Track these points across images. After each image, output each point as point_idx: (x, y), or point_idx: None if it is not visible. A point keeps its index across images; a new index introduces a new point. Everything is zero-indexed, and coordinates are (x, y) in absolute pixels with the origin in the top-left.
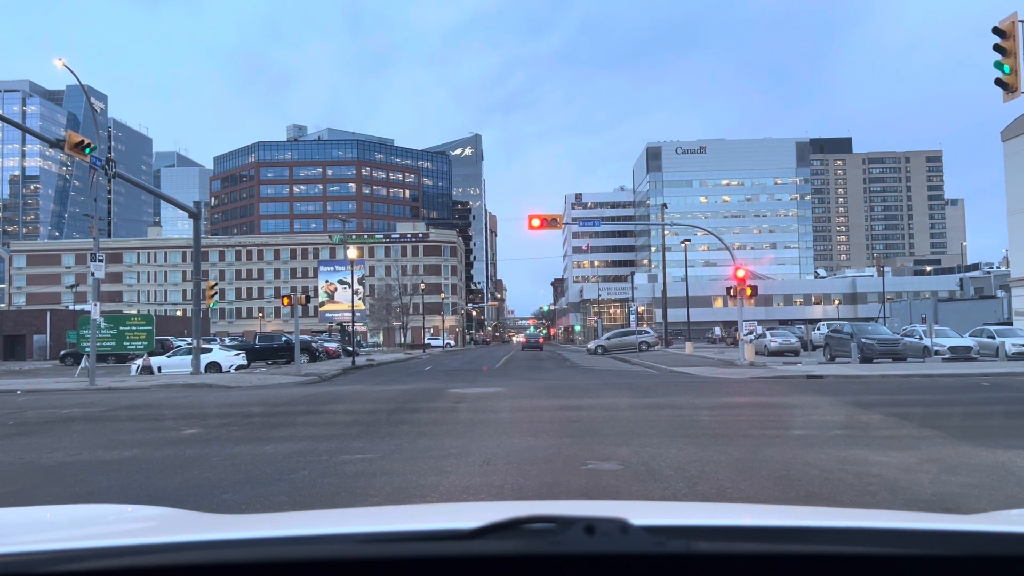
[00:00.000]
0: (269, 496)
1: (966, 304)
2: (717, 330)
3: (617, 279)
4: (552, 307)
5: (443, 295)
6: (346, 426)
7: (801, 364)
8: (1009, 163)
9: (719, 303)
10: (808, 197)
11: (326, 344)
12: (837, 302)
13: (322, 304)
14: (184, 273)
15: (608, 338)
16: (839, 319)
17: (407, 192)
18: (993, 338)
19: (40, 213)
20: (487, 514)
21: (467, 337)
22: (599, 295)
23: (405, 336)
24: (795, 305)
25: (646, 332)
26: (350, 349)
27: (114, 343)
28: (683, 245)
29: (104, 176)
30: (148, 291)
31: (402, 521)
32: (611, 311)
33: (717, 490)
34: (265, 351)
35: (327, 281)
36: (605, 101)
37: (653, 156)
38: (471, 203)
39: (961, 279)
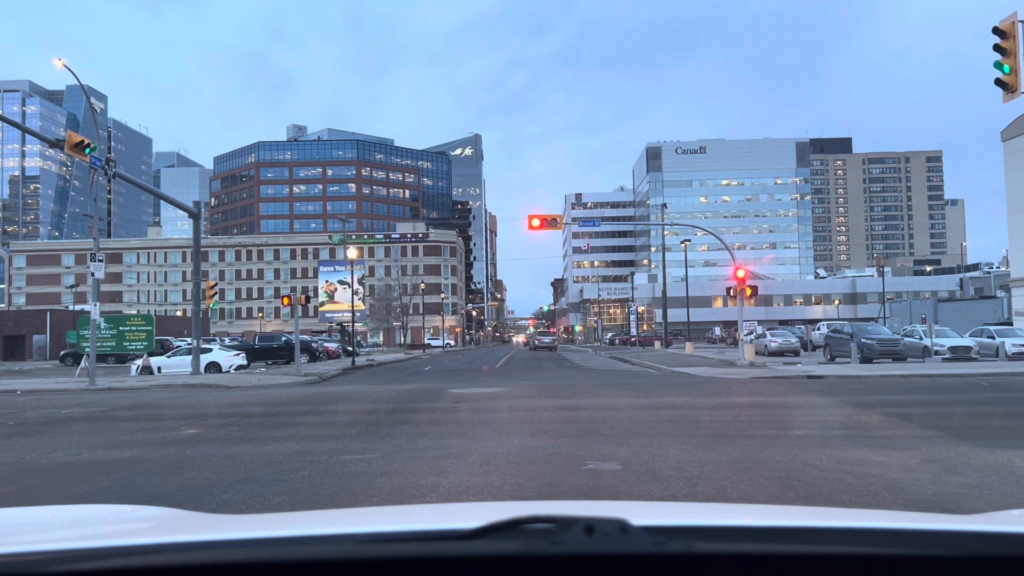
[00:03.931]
0: (269, 496)
1: (966, 304)
2: (717, 330)
3: (617, 279)
4: (552, 307)
5: (443, 295)
6: (346, 426)
7: (801, 364)
8: (1009, 163)
9: (719, 303)
10: (808, 197)
11: (326, 344)
12: (837, 302)
13: (322, 304)
14: (184, 273)
15: None
16: (839, 319)
17: (407, 192)
18: (993, 338)
19: (40, 213)
20: (487, 514)
21: (467, 337)
22: (599, 295)
23: (405, 336)
24: (795, 305)
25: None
26: (350, 349)
27: (114, 343)
28: (683, 245)
29: (104, 176)
30: (148, 291)
31: (402, 521)
32: (611, 311)
33: (717, 490)
34: (265, 351)
35: (327, 281)
36: (605, 102)
37: (653, 156)
38: (471, 203)
39: (961, 279)
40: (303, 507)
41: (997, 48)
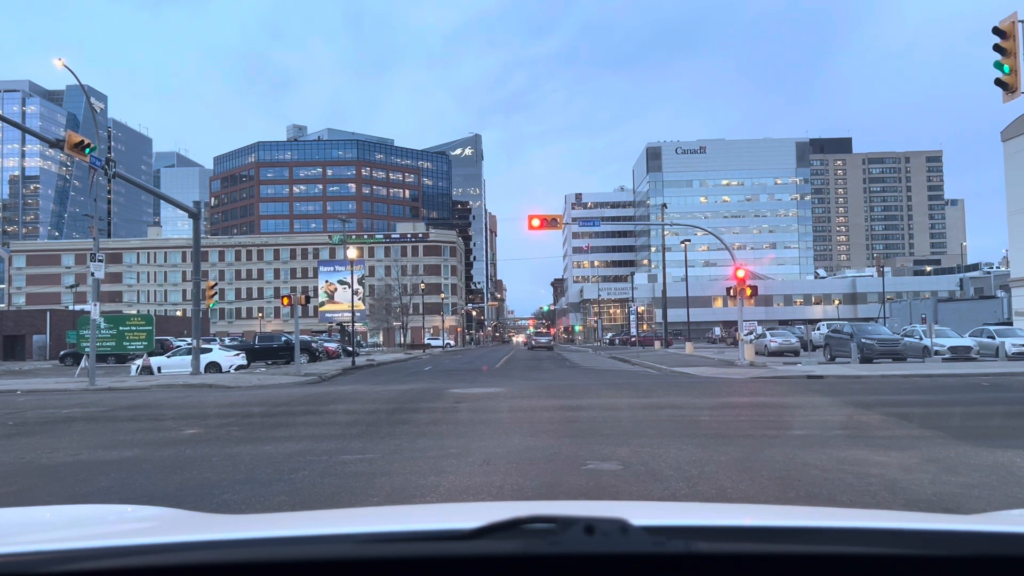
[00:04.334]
0: (269, 496)
1: (966, 304)
2: (717, 330)
3: (617, 279)
4: (552, 307)
5: (443, 295)
6: (346, 426)
7: (801, 364)
8: (1009, 163)
9: (719, 303)
10: (808, 197)
11: (326, 344)
12: (837, 302)
13: (322, 304)
14: (184, 273)
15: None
16: (839, 319)
17: (407, 192)
18: (993, 338)
19: (40, 213)
20: (487, 514)
21: (467, 337)
22: (599, 295)
23: (405, 336)
24: (795, 305)
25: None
26: (350, 349)
27: (114, 343)
28: (683, 245)
29: (104, 176)
30: (148, 291)
31: (402, 521)
32: (611, 311)
33: (717, 490)
34: (265, 351)
35: (327, 281)
36: (605, 102)
37: (653, 156)
38: (471, 203)
39: (961, 279)
40: (303, 507)
41: (997, 48)
